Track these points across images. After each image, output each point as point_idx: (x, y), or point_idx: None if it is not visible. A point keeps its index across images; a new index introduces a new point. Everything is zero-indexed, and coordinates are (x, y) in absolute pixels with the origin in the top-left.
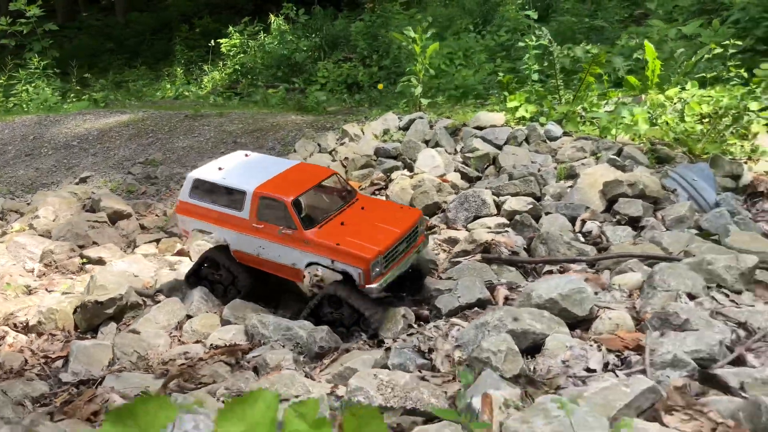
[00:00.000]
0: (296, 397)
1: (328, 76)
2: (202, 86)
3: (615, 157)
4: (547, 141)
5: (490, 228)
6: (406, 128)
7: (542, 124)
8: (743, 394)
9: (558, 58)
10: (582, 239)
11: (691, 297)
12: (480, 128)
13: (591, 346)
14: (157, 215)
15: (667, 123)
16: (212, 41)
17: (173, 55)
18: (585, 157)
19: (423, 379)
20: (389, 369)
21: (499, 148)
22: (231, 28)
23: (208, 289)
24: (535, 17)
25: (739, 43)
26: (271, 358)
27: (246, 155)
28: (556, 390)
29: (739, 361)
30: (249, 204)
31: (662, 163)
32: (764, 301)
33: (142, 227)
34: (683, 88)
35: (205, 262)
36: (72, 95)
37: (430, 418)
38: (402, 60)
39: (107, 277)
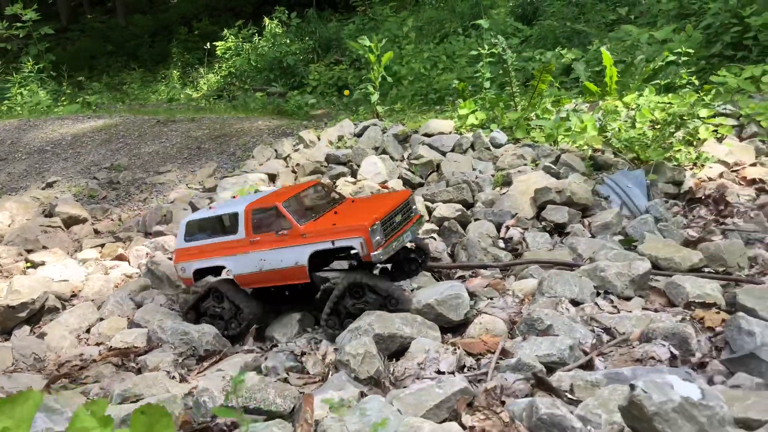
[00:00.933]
0: (153, 395)
1: (319, 79)
2: (198, 89)
3: (550, 164)
4: (491, 148)
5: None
6: (360, 135)
7: (490, 131)
8: (569, 396)
9: (513, 65)
10: (503, 245)
11: (576, 303)
12: (428, 135)
13: (446, 350)
14: (112, 220)
15: (619, 129)
16: (208, 44)
17: (170, 57)
18: (525, 164)
19: (286, 380)
20: (261, 371)
21: (445, 155)
22: (226, 30)
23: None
24: (486, 26)
25: (691, 51)
26: (152, 360)
27: (234, 197)
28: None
29: (589, 364)
30: (243, 222)
31: (600, 170)
32: (643, 307)
33: (96, 232)
34: (641, 95)
35: (208, 294)
36: (64, 99)
37: (270, 417)
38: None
39: (24, 282)
